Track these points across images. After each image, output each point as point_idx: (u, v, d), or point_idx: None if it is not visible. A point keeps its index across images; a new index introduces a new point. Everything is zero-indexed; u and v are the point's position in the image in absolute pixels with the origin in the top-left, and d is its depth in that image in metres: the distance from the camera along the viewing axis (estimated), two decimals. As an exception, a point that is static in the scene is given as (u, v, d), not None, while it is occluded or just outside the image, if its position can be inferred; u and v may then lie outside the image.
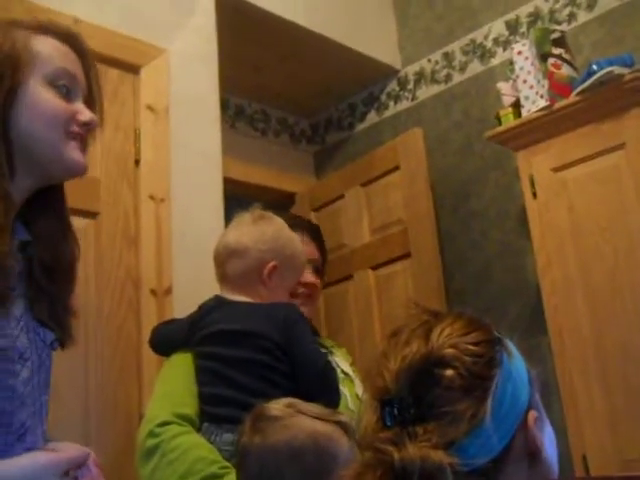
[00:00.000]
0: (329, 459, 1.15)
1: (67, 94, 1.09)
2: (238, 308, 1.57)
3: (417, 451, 0.77)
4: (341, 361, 1.80)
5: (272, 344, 1.50)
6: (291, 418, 1.19)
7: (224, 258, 1.62)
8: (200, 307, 1.64)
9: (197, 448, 1.42)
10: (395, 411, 0.82)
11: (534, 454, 0.85)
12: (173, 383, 1.56)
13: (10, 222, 1.02)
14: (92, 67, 1.16)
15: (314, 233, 1.89)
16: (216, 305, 1.60)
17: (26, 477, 0.95)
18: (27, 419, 1.02)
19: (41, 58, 1.08)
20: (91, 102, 1.14)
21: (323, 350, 1.76)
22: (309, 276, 1.82)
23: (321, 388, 1.51)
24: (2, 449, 0.97)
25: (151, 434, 1.46)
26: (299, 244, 1.68)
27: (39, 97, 1.06)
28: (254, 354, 1.49)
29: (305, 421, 1.19)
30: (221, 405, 1.48)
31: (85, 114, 1.10)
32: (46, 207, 1.13)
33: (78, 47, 1.14)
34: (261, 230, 1.62)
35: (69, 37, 1.13)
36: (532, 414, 0.86)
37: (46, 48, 1.09)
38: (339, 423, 1.22)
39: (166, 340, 1.67)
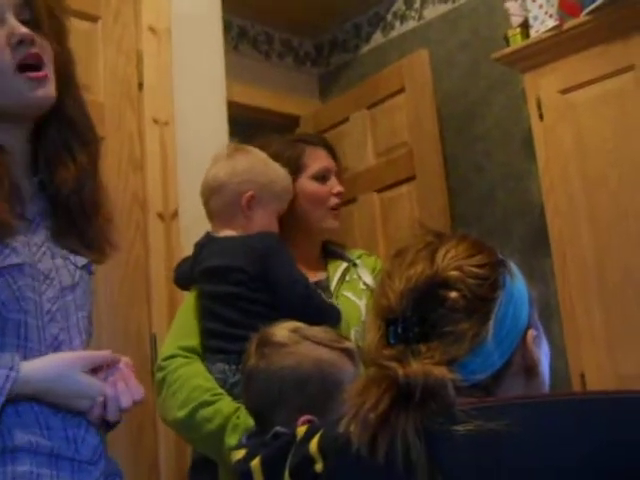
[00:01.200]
0: (333, 386, 1.17)
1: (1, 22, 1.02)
2: (221, 244, 1.63)
3: (420, 367, 0.80)
4: (364, 273, 1.81)
5: (247, 276, 1.56)
6: (296, 345, 1.21)
7: (207, 196, 1.68)
8: (195, 245, 1.70)
9: (194, 377, 1.54)
10: (399, 330, 0.84)
11: (531, 369, 0.88)
12: (181, 319, 1.68)
13: (7, 170, 1.03)
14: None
15: (328, 146, 1.89)
16: (206, 242, 1.67)
17: (51, 370, 1.00)
18: (59, 333, 1.07)
19: None
20: (31, 11, 1.06)
21: (344, 263, 1.80)
22: (337, 186, 1.83)
23: (308, 312, 1.52)
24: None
25: (159, 368, 1.60)
26: (277, 171, 1.70)
27: None
28: (232, 288, 1.57)
29: (310, 348, 1.21)
30: (213, 337, 1.59)
31: (14, 34, 1.02)
32: (50, 138, 1.12)
33: None
34: (233, 163, 1.66)
35: None
36: (531, 332, 0.89)
37: None
38: (344, 350, 1.23)
39: (182, 277, 1.75)
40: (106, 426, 1.07)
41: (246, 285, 1.56)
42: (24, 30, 1.03)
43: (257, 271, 1.56)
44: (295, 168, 1.78)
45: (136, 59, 2.25)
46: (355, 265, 1.82)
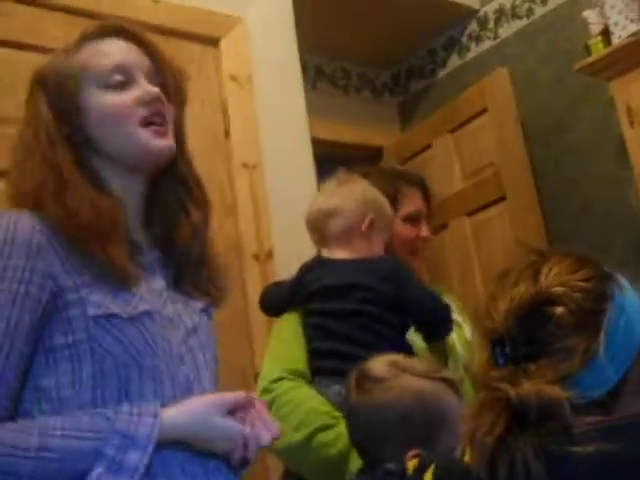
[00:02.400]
0: (436, 418, 1.16)
1: (123, 85, 1.11)
2: (339, 264, 1.62)
3: (532, 387, 0.79)
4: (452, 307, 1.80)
5: (377, 295, 1.53)
6: (395, 379, 1.20)
7: (321, 221, 1.67)
8: (301, 267, 1.68)
9: (308, 401, 1.48)
10: (507, 350, 0.83)
11: None
12: (283, 342, 1.63)
13: (124, 219, 1.09)
14: (149, 46, 1.17)
15: (425, 188, 1.90)
16: (317, 264, 1.65)
17: (192, 415, 1.02)
18: (190, 373, 1.10)
19: (90, 69, 1.11)
20: (160, 77, 1.15)
21: None
22: (426, 231, 1.84)
23: (439, 325, 1.58)
24: (173, 402, 1.04)
25: (265, 390, 1.53)
26: (386, 202, 1.71)
27: (97, 105, 1.10)
28: (358, 305, 1.53)
29: (409, 380, 1.20)
30: (328, 358, 1.53)
31: (146, 93, 1.11)
32: (162, 194, 1.18)
33: (130, 35, 1.16)
34: (349, 189, 1.68)
35: (114, 31, 1.16)
36: None
37: (93, 57, 1.12)
38: (444, 380, 1.22)
39: (274, 301, 1.72)
40: (244, 466, 1.08)
41: (375, 304, 1.53)
42: (155, 89, 1.12)
43: (388, 291, 1.53)
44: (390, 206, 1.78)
45: (221, 108, 2.32)
46: None
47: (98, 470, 0.93)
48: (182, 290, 1.16)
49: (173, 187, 1.19)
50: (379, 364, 1.23)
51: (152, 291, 1.10)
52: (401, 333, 1.56)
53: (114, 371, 1.01)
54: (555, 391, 0.78)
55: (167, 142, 1.12)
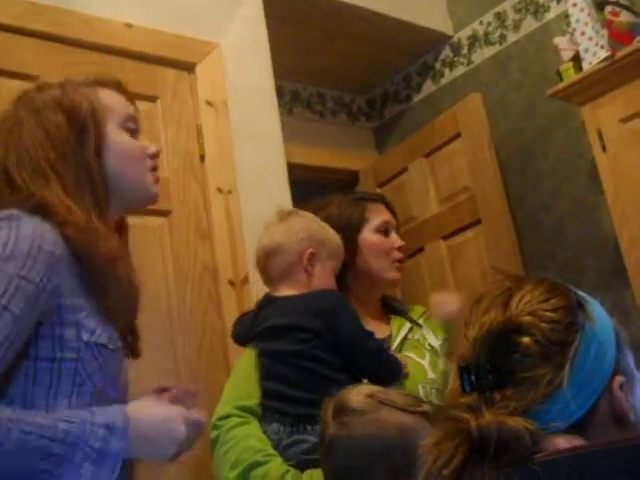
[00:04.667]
0: (417, 453, 1.15)
1: (134, 133, 1.27)
2: (281, 303, 1.64)
3: (494, 417, 0.78)
4: (429, 334, 1.81)
5: (311, 334, 1.54)
6: (375, 412, 1.18)
7: (264, 261, 1.69)
8: (255, 305, 1.72)
9: (247, 438, 1.52)
10: (472, 377, 0.83)
11: (621, 418, 0.84)
12: (238, 378, 1.67)
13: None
14: (136, 107, 1.32)
15: (386, 202, 1.94)
16: (265, 303, 1.68)
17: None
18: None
19: (110, 109, 1.24)
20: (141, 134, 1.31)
21: (407, 324, 1.79)
22: (399, 240, 1.86)
23: (378, 367, 1.57)
24: None
25: (213, 427, 1.58)
26: (330, 230, 1.72)
27: (120, 142, 1.23)
28: (294, 346, 1.55)
29: (390, 414, 1.18)
30: (270, 398, 1.57)
31: (151, 147, 1.28)
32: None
33: (128, 94, 1.30)
34: (289, 225, 1.68)
35: (119, 85, 1.29)
36: (617, 379, 0.85)
37: (110, 99, 1.25)
38: (424, 413, 1.20)
39: (240, 333, 1.74)
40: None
41: (308, 342, 1.54)
42: (158, 148, 1.30)
43: (319, 328, 1.54)
44: (358, 223, 1.83)
45: (196, 132, 2.32)
46: (419, 325, 1.83)
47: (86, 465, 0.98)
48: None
49: (124, 231, 1.33)
50: (357, 396, 1.21)
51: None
52: (341, 371, 1.54)
53: (87, 398, 1.06)
54: (517, 422, 0.77)
55: (158, 190, 1.29)
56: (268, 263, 1.68)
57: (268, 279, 1.71)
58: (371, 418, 1.17)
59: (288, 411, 1.51)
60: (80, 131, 1.18)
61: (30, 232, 1.04)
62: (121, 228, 1.30)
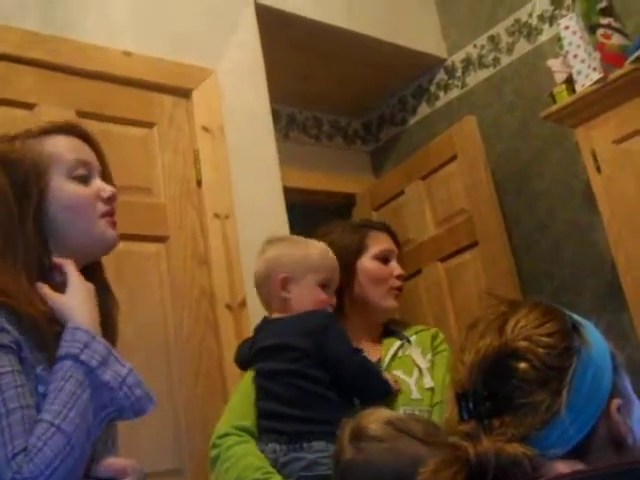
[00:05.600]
0: None
1: (86, 180, 1.23)
2: (275, 324, 1.70)
3: (492, 445, 0.78)
4: (416, 352, 1.81)
5: (301, 352, 1.60)
6: (393, 440, 1.17)
7: (257, 291, 1.79)
8: (254, 329, 1.79)
9: (247, 456, 1.57)
10: (470, 405, 0.82)
11: (619, 442, 0.84)
12: (237, 399, 1.72)
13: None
14: (97, 145, 1.30)
15: (391, 232, 1.95)
16: (262, 325, 1.75)
17: None
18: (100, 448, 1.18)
19: (55, 158, 1.21)
20: (107, 176, 1.30)
21: (397, 342, 1.80)
22: (398, 269, 1.88)
23: (364, 385, 1.63)
24: None
25: (213, 445, 1.64)
26: (308, 246, 1.76)
27: (64, 193, 1.21)
28: (286, 364, 1.60)
29: (407, 444, 1.17)
30: (266, 418, 1.62)
31: (105, 190, 1.25)
32: (91, 277, 1.25)
33: (82, 133, 1.28)
34: (264, 256, 1.75)
35: (71, 129, 1.27)
36: (615, 402, 0.84)
37: (57, 148, 1.22)
38: (442, 444, 1.19)
39: (240, 358, 1.80)
40: None
41: (299, 361, 1.60)
42: (113, 189, 1.26)
43: (309, 347, 1.59)
44: (357, 249, 1.85)
45: (193, 158, 2.33)
46: (409, 342, 1.83)
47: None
48: None
49: (99, 271, 1.30)
50: (376, 423, 1.20)
51: None
52: (333, 389, 1.59)
53: None
54: (515, 449, 0.77)
55: (116, 233, 1.26)
56: (258, 293, 1.78)
57: (264, 306, 1.79)
58: (388, 447, 1.17)
59: (284, 429, 1.56)
60: (21, 191, 1.18)
61: None
62: (94, 269, 1.29)
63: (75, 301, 1.15)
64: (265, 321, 1.75)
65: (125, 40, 2.28)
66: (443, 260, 3.21)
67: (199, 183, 2.32)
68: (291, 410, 1.56)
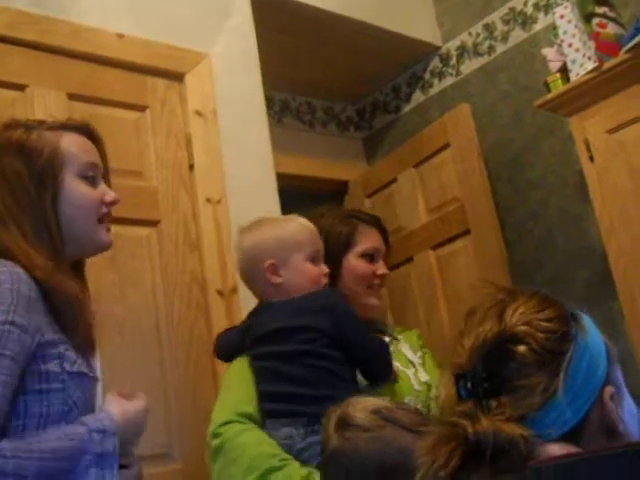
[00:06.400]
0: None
1: (93, 181, 1.31)
2: (282, 306, 1.63)
3: (490, 424, 0.79)
4: (406, 348, 1.82)
5: (318, 333, 1.55)
6: (380, 429, 1.16)
7: (248, 286, 1.74)
8: (249, 314, 1.71)
9: (257, 444, 1.48)
10: (469, 385, 0.84)
11: (611, 429, 0.85)
12: (233, 386, 1.63)
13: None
14: (104, 147, 1.36)
15: (381, 228, 1.92)
16: (261, 309, 1.68)
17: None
18: None
19: (70, 157, 1.28)
20: (107, 178, 1.36)
21: (386, 338, 1.80)
22: (382, 268, 1.84)
23: (378, 364, 1.61)
24: None
25: (215, 435, 1.53)
26: (285, 224, 1.70)
27: (74, 192, 1.27)
28: (302, 345, 1.54)
29: (394, 433, 1.16)
30: (277, 401, 1.53)
31: (109, 195, 1.32)
32: (76, 275, 1.32)
33: (94, 136, 1.34)
34: (240, 248, 1.70)
35: (86, 129, 1.34)
36: (608, 390, 0.86)
37: (72, 147, 1.29)
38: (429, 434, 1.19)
39: (226, 347, 1.73)
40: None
41: (316, 342, 1.54)
42: (116, 196, 1.33)
43: (325, 326, 1.55)
44: (345, 244, 1.82)
45: (185, 142, 2.32)
46: (397, 340, 1.84)
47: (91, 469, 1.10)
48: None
49: (83, 266, 1.37)
50: (362, 412, 1.19)
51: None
52: (346, 365, 1.56)
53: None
54: (512, 428, 0.79)
55: (110, 237, 1.34)
56: (248, 287, 1.73)
57: (258, 296, 1.73)
58: (374, 436, 1.16)
59: (302, 411, 1.48)
60: (38, 179, 1.23)
61: (8, 277, 1.11)
62: (77, 266, 1.34)
63: (127, 410, 1.23)
64: (264, 305, 1.68)
65: (118, 22, 2.26)
66: (435, 248, 3.21)
67: (191, 167, 2.31)
68: (310, 391, 1.49)
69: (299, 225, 1.70)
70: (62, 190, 1.25)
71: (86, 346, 1.22)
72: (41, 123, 1.31)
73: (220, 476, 1.51)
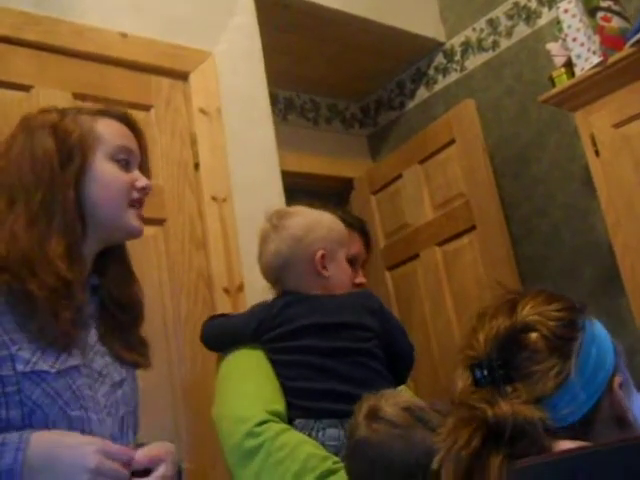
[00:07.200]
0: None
1: (126, 165, 1.28)
2: (322, 301, 1.53)
3: (509, 407, 0.82)
4: None
5: (370, 332, 1.51)
6: (409, 429, 1.15)
7: (275, 276, 1.59)
8: (272, 304, 1.57)
9: (304, 445, 1.37)
10: (485, 372, 0.87)
11: (622, 418, 0.89)
12: (256, 380, 1.50)
13: (83, 278, 1.21)
14: (144, 138, 1.35)
15: (364, 231, 1.87)
16: (294, 300, 1.54)
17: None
18: (114, 426, 1.18)
19: (103, 138, 1.26)
20: (145, 168, 1.34)
21: None
22: (361, 277, 1.80)
23: (405, 369, 1.61)
24: None
25: (250, 434, 1.39)
26: (326, 216, 1.62)
27: (104, 172, 1.25)
28: (356, 343, 1.48)
29: (422, 434, 1.13)
30: (321, 399, 1.43)
31: (141, 180, 1.29)
32: (114, 257, 1.32)
33: (132, 125, 1.33)
34: (287, 232, 1.57)
35: (124, 118, 1.32)
36: (617, 379, 0.90)
37: (107, 129, 1.27)
38: None
39: (225, 335, 1.61)
40: None
41: (368, 341, 1.49)
42: (149, 183, 1.30)
43: (376, 327, 1.52)
44: None
45: (190, 141, 2.32)
46: None
47: None
48: (111, 346, 1.25)
49: (122, 250, 1.35)
50: (393, 407, 1.17)
51: (85, 345, 1.19)
52: (387, 367, 1.54)
53: (43, 425, 1.08)
54: (530, 411, 0.82)
55: (142, 225, 1.29)
56: (280, 277, 1.58)
57: (282, 288, 1.60)
58: (401, 433, 1.14)
59: (348, 411, 1.29)
60: (66, 158, 1.21)
61: None
62: (113, 252, 1.31)
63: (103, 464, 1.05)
64: (294, 298, 1.54)
65: (122, 22, 2.26)
66: (441, 244, 3.21)
67: (196, 166, 2.31)
68: (361, 390, 1.29)
69: (340, 223, 1.63)
70: (90, 169, 1.23)
71: (58, 340, 1.13)
72: (77, 109, 1.30)
73: (260, 477, 1.38)
